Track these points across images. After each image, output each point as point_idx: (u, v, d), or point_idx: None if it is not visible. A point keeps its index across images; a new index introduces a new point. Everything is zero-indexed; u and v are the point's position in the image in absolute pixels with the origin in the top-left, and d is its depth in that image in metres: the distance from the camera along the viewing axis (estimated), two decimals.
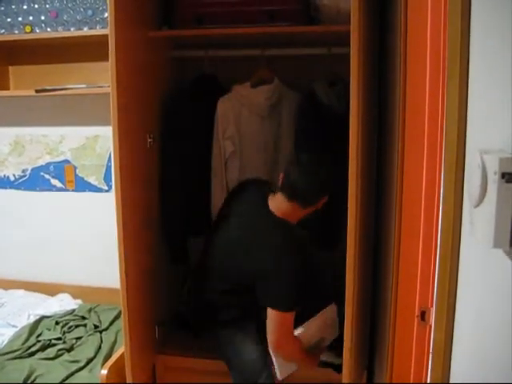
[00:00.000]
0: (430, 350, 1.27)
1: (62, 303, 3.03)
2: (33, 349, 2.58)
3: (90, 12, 2.77)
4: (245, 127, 2.55)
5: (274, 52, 2.46)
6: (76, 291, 3.14)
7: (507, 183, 0.73)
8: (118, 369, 2.29)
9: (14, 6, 2.86)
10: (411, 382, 1.48)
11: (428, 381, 1.31)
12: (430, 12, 1.29)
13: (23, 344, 2.61)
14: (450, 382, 1.10)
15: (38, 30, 2.86)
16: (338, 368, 2.24)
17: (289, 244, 2.05)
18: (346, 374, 2.08)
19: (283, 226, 2.08)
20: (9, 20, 2.88)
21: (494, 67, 0.86)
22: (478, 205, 0.81)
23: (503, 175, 0.73)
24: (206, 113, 2.52)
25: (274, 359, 2.13)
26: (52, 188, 3.19)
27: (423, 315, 1.32)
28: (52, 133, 3.13)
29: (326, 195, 2.06)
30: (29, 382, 2.32)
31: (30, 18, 2.85)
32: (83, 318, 2.88)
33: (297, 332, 2.12)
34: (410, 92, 1.62)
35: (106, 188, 3.10)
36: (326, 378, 2.34)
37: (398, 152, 1.71)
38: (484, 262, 0.90)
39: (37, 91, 2.80)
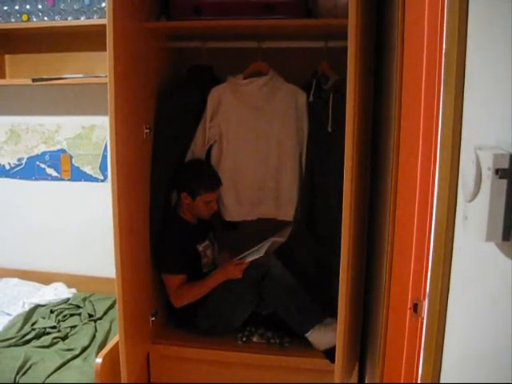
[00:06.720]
0: (422, 343, 1.29)
1: (57, 292, 3.04)
2: (27, 337, 2.59)
3: (87, 1, 2.76)
4: (236, 117, 2.55)
5: (271, 44, 2.46)
6: (70, 280, 3.15)
7: (500, 179, 0.75)
8: (112, 357, 2.31)
9: None
10: (403, 372, 1.50)
11: (420, 373, 1.33)
12: (427, 5, 1.30)
13: (18, 332, 2.62)
14: (442, 374, 1.12)
15: (34, 19, 2.84)
16: (330, 357, 2.28)
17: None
18: (339, 364, 2.11)
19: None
20: (5, 8, 2.87)
21: (490, 63, 0.87)
22: (471, 200, 0.83)
23: (497, 171, 0.74)
24: (198, 104, 2.53)
25: None
26: (47, 177, 3.19)
27: (415, 307, 1.34)
28: (48, 122, 3.13)
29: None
30: (24, 369, 2.33)
31: (27, 6, 2.84)
32: (78, 306, 2.89)
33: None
34: (406, 88, 1.63)
35: (101, 178, 3.10)
36: (318, 368, 2.37)
37: (394, 146, 1.72)
38: (477, 255, 0.92)
39: (33, 80, 2.80)
